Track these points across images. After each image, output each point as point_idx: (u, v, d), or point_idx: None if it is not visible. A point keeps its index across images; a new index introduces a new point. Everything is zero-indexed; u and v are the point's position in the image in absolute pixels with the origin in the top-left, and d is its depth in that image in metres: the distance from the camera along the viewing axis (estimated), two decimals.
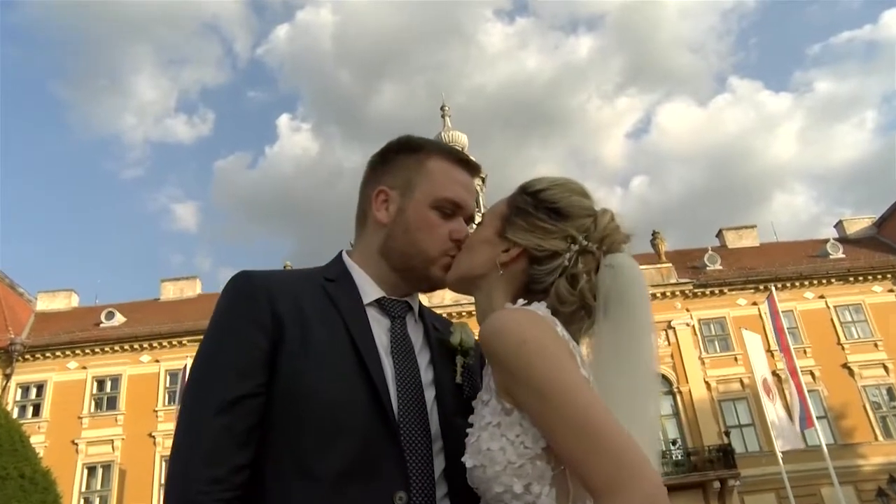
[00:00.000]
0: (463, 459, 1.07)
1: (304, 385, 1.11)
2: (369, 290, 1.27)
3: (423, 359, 1.25)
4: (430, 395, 1.21)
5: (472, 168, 1.35)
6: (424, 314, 1.33)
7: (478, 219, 1.19)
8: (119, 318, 26.07)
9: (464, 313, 23.91)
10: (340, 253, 1.35)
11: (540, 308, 1.08)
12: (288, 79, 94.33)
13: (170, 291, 28.83)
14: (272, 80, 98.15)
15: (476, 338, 1.25)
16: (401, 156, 1.32)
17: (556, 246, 1.15)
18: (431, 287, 1.31)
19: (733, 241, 29.48)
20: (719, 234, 30.17)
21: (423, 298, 1.38)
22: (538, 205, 1.18)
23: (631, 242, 1.20)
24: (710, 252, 27.36)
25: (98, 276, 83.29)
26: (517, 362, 1.00)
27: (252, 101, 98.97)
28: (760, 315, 23.50)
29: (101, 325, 25.74)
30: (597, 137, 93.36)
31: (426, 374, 1.23)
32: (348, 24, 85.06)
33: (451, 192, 1.28)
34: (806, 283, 25.63)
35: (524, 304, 1.09)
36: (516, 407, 1.03)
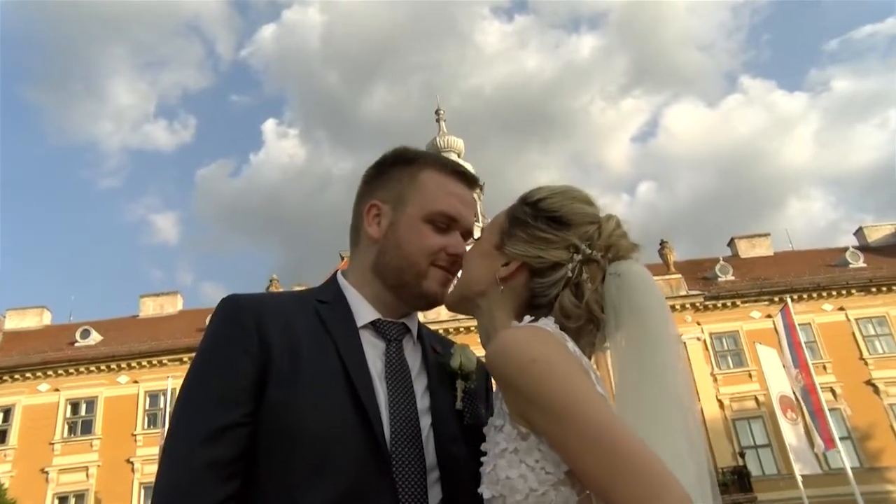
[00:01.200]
0: (479, 490, 1.06)
1: (292, 416, 1.11)
2: (364, 312, 1.27)
3: (420, 384, 1.24)
4: (426, 422, 1.20)
5: (470, 180, 1.34)
6: (424, 335, 1.33)
7: (477, 233, 1.22)
8: (95, 337, 25.86)
9: (462, 329, 23.96)
10: (335, 273, 1.34)
11: (548, 324, 1.07)
12: (274, 82, 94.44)
13: (149, 308, 28.71)
14: (257, 83, 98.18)
15: (479, 359, 1.30)
16: (394, 169, 1.32)
17: (557, 256, 1.13)
18: (429, 304, 1.29)
19: (746, 250, 29.51)
20: (731, 243, 30.26)
21: (419, 314, 1.38)
22: (538, 214, 1.17)
23: (640, 251, 1.18)
24: (721, 262, 27.30)
25: (72, 293, 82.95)
26: (528, 383, 0.98)
27: (236, 106, 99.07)
28: (776, 328, 23.24)
29: (76, 344, 25.54)
30: (600, 141, 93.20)
31: (422, 401, 1.22)
32: (337, 23, 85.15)
33: (446, 206, 1.28)
34: (824, 294, 25.48)
35: (531, 321, 1.08)
36: (532, 431, 1.01)
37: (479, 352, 1.22)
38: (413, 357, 1.28)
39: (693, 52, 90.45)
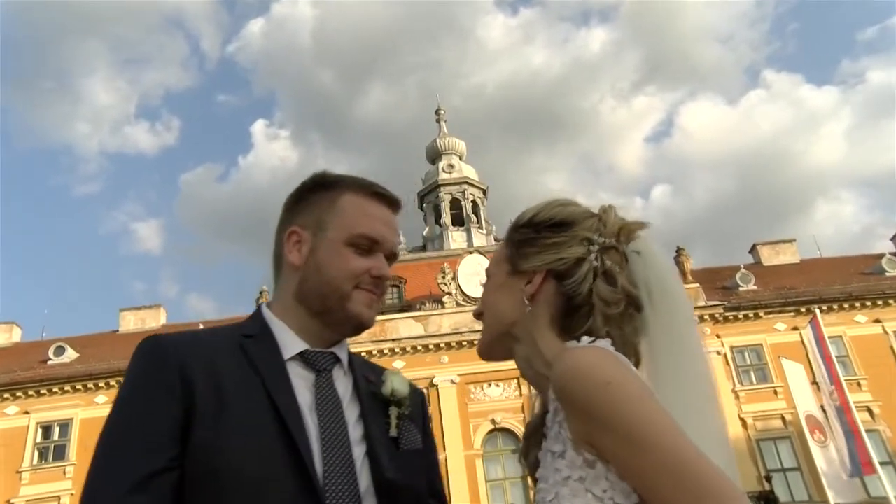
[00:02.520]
0: None
1: (219, 458, 1.12)
2: (291, 344, 1.30)
3: (352, 413, 1.28)
4: (359, 451, 1.23)
5: (392, 202, 1.39)
6: (354, 364, 1.37)
7: (401, 247, 1.34)
8: (70, 354, 25.33)
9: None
10: (260, 306, 1.38)
11: (607, 345, 1.08)
12: (263, 80, 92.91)
13: (130, 322, 28.33)
14: (245, 82, 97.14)
15: (412, 385, 1.39)
16: (313, 194, 1.37)
17: (576, 252, 1.17)
18: (356, 328, 1.33)
19: (769, 257, 29.15)
20: (753, 250, 29.97)
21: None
22: (538, 227, 1.22)
23: (649, 225, 1.21)
24: (742, 270, 26.81)
25: (45, 307, 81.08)
26: (603, 407, 0.99)
27: (223, 106, 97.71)
28: (803, 342, 22.87)
29: (49, 363, 24.98)
30: (611, 142, 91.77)
31: (355, 430, 1.26)
32: (330, 18, 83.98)
33: (367, 228, 1.32)
34: (857, 304, 24.80)
35: (590, 342, 1.09)
36: (599, 458, 1.01)
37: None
38: (344, 386, 1.31)
39: (711, 46, 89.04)
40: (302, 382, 1.25)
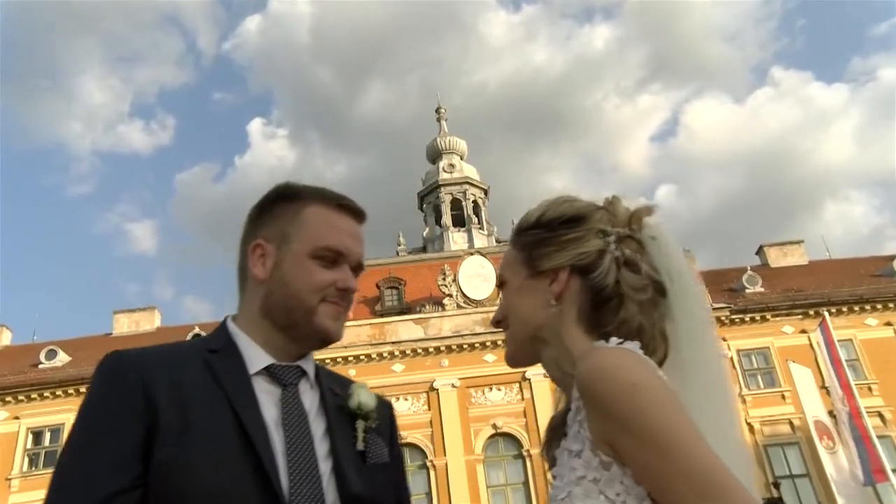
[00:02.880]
0: None
1: (183, 476, 1.12)
2: (256, 358, 1.30)
3: (318, 428, 1.28)
4: (326, 467, 1.24)
5: (357, 213, 1.40)
6: (322, 377, 1.38)
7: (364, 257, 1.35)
8: (62, 357, 25.12)
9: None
10: (226, 319, 1.38)
11: (636, 347, 1.09)
12: (260, 78, 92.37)
13: (123, 325, 28.16)
14: (242, 79, 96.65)
15: (379, 397, 1.40)
16: (276, 206, 1.37)
17: (595, 245, 1.19)
18: (322, 341, 1.34)
19: (777, 258, 28.98)
20: (760, 252, 29.80)
21: None
22: (549, 226, 1.23)
23: (657, 209, 1.23)
24: (749, 272, 26.65)
25: (36, 310, 79.67)
26: (628, 409, 0.99)
27: (219, 105, 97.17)
28: (812, 345, 22.81)
29: (40, 366, 24.78)
30: (615, 142, 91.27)
31: (322, 445, 1.26)
32: (328, 14, 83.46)
33: (332, 240, 1.33)
34: (867, 307, 24.55)
35: (619, 343, 1.09)
36: (615, 460, 1.02)
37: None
38: (311, 400, 1.31)
39: (717, 43, 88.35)
40: (268, 397, 1.26)
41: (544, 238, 1.22)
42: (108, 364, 1.22)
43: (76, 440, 1.16)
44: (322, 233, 1.32)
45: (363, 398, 1.34)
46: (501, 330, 1.27)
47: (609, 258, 1.17)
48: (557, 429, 1.18)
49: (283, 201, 1.36)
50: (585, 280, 1.18)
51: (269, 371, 1.29)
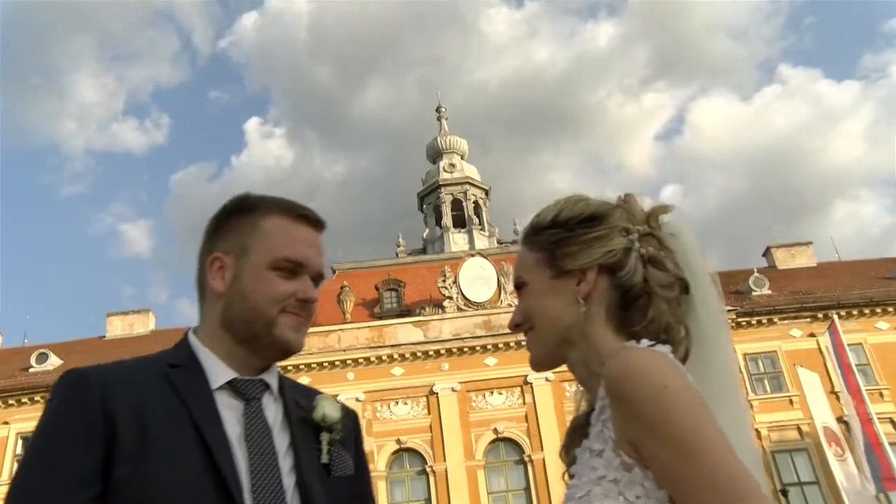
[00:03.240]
0: None
1: (144, 492, 1.13)
2: (218, 373, 1.31)
3: (282, 442, 1.29)
4: (290, 481, 1.25)
5: (316, 223, 1.40)
6: (286, 389, 1.38)
7: (325, 270, 1.37)
8: (54, 361, 24.94)
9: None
10: (187, 333, 1.39)
11: (667, 351, 1.10)
12: (257, 76, 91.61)
13: (117, 327, 28.14)
14: (238, 77, 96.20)
15: (345, 407, 1.42)
16: (234, 219, 1.37)
17: (620, 243, 1.19)
18: (284, 353, 1.34)
19: (784, 260, 28.90)
20: (767, 253, 29.74)
21: None
22: (569, 224, 1.23)
23: (673, 207, 1.24)
24: (756, 274, 26.50)
25: (27, 312, 79.65)
26: (656, 411, 0.99)
27: (215, 103, 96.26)
28: (820, 349, 22.55)
29: (31, 370, 24.71)
30: (619, 140, 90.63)
31: (286, 459, 1.27)
32: (326, 11, 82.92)
33: (291, 251, 1.33)
34: (878, 310, 24.40)
35: (650, 345, 1.10)
36: (637, 462, 1.03)
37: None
38: (274, 414, 1.32)
39: (724, 40, 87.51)
40: (230, 412, 1.27)
41: (565, 237, 1.21)
42: (66, 381, 1.23)
43: (33, 458, 1.16)
44: (281, 244, 1.33)
45: (327, 410, 1.35)
46: (520, 333, 1.27)
47: (635, 256, 1.18)
48: (579, 429, 1.19)
49: (240, 213, 1.37)
50: (612, 279, 1.18)
51: (231, 385, 1.30)
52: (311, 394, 1.41)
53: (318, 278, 1.37)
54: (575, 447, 1.17)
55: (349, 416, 1.43)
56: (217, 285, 1.33)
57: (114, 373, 1.26)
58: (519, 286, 1.27)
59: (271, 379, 1.36)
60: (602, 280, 1.19)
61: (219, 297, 1.33)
